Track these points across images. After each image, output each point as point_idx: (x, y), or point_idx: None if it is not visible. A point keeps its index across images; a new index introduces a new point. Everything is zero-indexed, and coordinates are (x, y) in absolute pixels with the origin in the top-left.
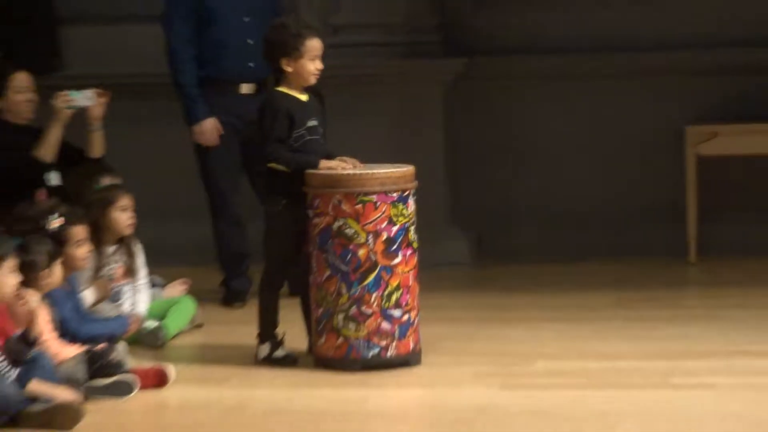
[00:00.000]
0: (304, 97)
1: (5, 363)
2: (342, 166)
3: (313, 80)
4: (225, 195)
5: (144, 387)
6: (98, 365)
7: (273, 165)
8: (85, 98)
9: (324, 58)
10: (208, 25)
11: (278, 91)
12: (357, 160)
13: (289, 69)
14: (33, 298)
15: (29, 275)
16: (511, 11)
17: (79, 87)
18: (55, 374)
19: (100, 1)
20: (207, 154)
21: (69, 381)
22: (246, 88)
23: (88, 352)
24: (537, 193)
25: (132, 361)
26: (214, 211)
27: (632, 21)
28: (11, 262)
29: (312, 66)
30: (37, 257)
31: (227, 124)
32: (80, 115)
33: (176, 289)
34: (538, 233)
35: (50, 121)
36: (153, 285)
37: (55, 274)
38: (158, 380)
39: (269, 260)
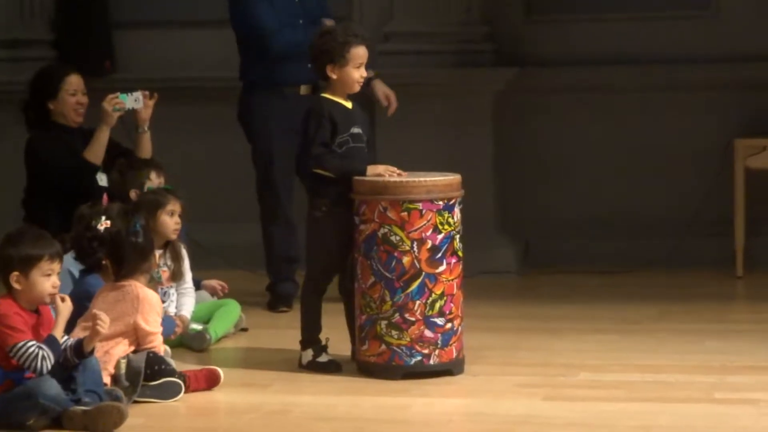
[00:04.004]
0: (348, 104)
1: (44, 362)
2: (389, 173)
3: (357, 88)
4: (281, 198)
5: (195, 389)
6: (156, 369)
7: (318, 170)
8: (134, 100)
9: (375, 65)
10: None
11: (323, 96)
12: (400, 169)
13: (333, 76)
14: (104, 320)
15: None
16: (562, 22)
17: (128, 89)
18: (101, 380)
19: (153, 6)
20: (271, 156)
21: (132, 375)
22: (304, 89)
23: (150, 353)
24: (584, 202)
25: (177, 364)
26: (267, 213)
27: (683, 34)
28: (47, 265)
29: (357, 74)
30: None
31: (288, 129)
32: (129, 117)
33: (212, 283)
34: (584, 243)
35: (99, 123)
36: (197, 287)
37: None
38: (209, 382)
39: (311, 265)
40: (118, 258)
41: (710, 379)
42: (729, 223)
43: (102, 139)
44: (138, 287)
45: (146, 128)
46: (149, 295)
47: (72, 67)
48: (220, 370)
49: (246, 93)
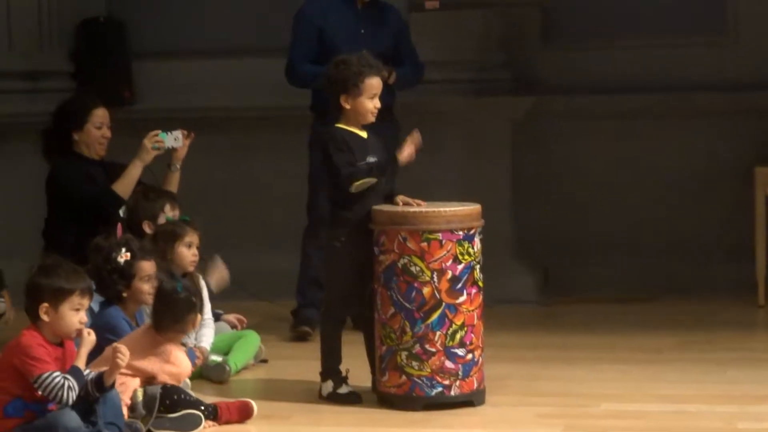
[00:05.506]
0: (363, 134)
1: (70, 393)
2: (405, 202)
3: (371, 118)
4: (326, 218)
5: (227, 421)
6: (175, 398)
7: (358, 182)
8: (173, 139)
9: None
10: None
11: (337, 126)
12: (419, 198)
13: (347, 106)
14: (123, 353)
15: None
16: (579, 49)
17: (157, 121)
18: (121, 412)
19: (172, 36)
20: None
21: (149, 402)
22: None
23: (165, 386)
24: (603, 230)
25: (196, 396)
26: (309, 231)
27: (701, 60)
28: (77, 299)
29: (371, 104)
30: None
31: None
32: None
33: (231, 318)
34: (603, 270)
35: (134, 158)
36: (217, 319)
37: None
38: (241, 414)
39: (330, 296)
40: (159, 313)
41: (732, 409)
42: (750, 250)
43: (134, 174)
44: (173, 352)
45: (179, 167)
46: (182, 364)
47: (99, 101)
48: (253, 403)
49: (315, 119)
